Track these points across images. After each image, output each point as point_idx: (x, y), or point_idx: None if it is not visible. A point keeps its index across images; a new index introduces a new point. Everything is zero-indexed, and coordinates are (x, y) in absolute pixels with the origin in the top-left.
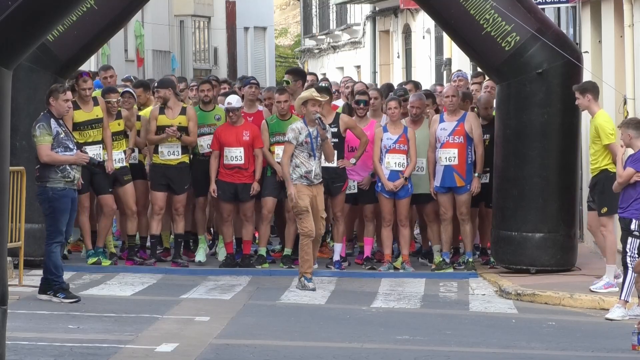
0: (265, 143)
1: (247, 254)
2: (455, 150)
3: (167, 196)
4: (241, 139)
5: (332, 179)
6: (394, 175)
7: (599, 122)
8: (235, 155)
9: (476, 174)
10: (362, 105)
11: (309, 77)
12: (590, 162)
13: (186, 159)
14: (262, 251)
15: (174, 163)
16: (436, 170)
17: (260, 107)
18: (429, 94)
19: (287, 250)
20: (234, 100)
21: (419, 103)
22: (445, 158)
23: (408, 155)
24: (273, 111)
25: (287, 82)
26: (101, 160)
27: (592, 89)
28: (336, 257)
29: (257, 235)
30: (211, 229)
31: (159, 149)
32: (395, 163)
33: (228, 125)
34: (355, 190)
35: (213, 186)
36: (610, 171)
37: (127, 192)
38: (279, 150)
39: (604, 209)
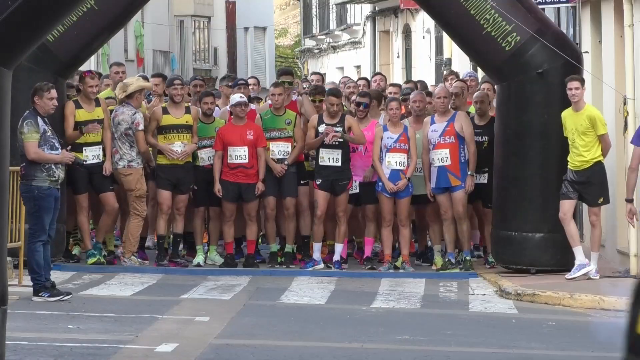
0: None
1: (251, 253)
2: (447, 151)
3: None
4: (245, 138)
5: (337, 178)
6: (395, 174)
7: (595, 113)
8: (240, 154)
9: (469, 173)
10: (362, 108)
11: (313, 77)
12: (581, 153)
13: (190, 158)
14: (274, 248)
15: (181, 162)
16: (431, 171)
17: (253, 106)
18: (428, 94)
19: (288, 247)
20: (237, 96)
21: (421, 97)
22: (438, 159)
23: (409, 155)
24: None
25: (290, 83)
26: (100, 161)
27: (584, 83)
28: (336, 257)
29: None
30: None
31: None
32: (396, 162)
33: (232, 125)
34: (357, 190)
35: (218, 186)
36: (602, 162)
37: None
38: (274, 147)
39: (601, 199)
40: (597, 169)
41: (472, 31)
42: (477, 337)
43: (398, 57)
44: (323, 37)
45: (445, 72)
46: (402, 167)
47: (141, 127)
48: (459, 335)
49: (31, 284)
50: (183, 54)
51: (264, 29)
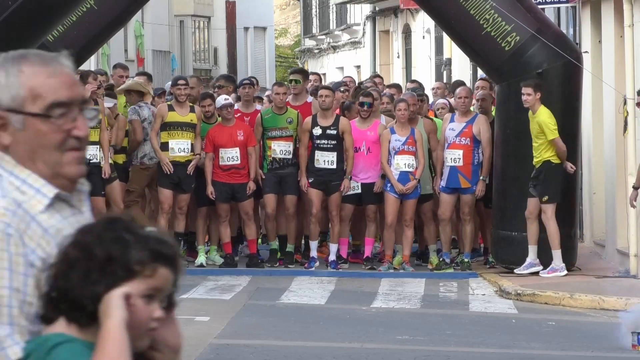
0: (257, 136)
1: (253, 253)
2: (461, 152)
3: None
4: (236, 139)
5: (330, 179)
6: (404, 176)
7: (542, 119)
8: (231, 155)
9: (481, 177)
10: (366, 107)
11: (311, 77)
12: (534, 155)
13: (193, 157)
14: (274, 245)
15: (183, 160)
16: (443, 170)
17: (258, 106)
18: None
19: (290, 247)
20: (222, 98)
21: (413, 100)
22: (451, 159)
23: (416, 156)
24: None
25: (297, 82)
26: (97, 160)
27: (541, 88)
28: (332, 257)
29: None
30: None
31: (169, 145)
32: (405, 164)
33: (221, 127)
34: (359, 191)
35: (210, 188)
36: (552, 162)
37: (114, 189)
38: (275, 146)
39: (545, 197)
40: (546, 167)
41: (472, 31)
42: (477, 337)
43: (398, 57)
44: (323, 37)
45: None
46: (411, 169)
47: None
48: (459, 335)
49: None
50: (183, 54)
51: (264, 29)
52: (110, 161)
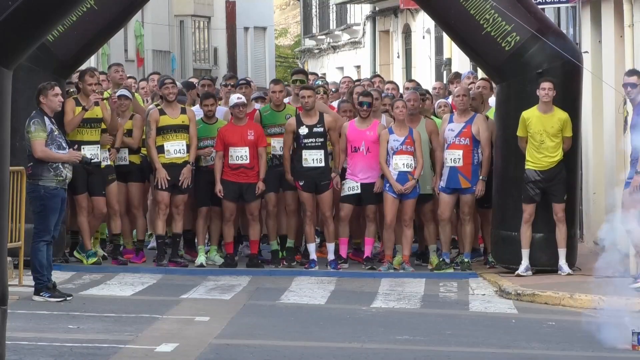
0: None
1: (255, 253)
2: (460, 152)
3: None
4: (246, 138)
5: (320, 179)
6: (403, 176)
7: (567, 116)
8: (241, 154)
9: (481, 177)
10: (365, 107)
11: (311, 77)
12: (550, 154)
13: (190, 157)
14: (275, 246)
15: (180, 162)
16: (443, 170)
17: (257, 106)
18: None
19: (290, 242)
20: (235, 97)
21: (415, 96)
22: (451, 159)
23: (415, 156)
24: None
25: (302, 82)
26: (98, 160)
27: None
28: (330, 257)
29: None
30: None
31: (165, 148)
32: (404, 164)
33: (232, 125)
34: (359, 191)
35: (219, 186)
36: (562, 160)
37: (111, 191)
38: (275, 142)
39: (566, 196)
40: (563, 166)
41: (472, 31)
42: (477, 337)
43: (398, 57)
44: (323, 37)
45: (450, 76)
46: (409, 169)
47: None
48: (459, 335)
49: (31, 283)
50: (183, 54)
51: (264, 29)
52: (110, 162)
